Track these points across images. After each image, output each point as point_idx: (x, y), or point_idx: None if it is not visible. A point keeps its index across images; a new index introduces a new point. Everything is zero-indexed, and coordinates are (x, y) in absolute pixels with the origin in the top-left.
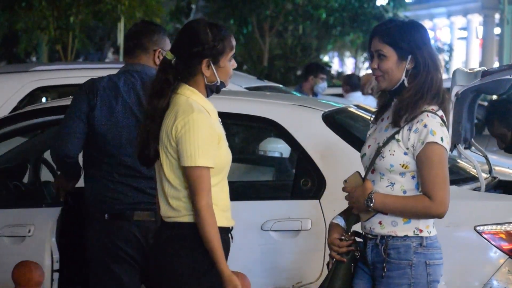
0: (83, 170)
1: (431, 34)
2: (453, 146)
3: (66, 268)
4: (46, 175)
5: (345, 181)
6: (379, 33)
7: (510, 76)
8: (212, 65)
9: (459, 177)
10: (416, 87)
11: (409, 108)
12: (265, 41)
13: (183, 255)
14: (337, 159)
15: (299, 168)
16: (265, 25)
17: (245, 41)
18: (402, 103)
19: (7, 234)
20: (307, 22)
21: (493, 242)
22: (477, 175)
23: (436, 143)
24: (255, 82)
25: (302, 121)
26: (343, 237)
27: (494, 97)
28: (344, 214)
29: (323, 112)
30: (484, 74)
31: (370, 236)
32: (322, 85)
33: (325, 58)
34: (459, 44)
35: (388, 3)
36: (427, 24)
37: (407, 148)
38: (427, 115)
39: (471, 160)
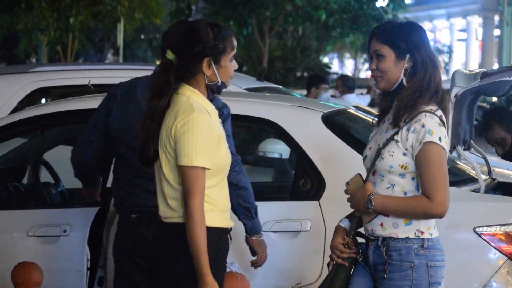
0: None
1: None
2: (453, 148)
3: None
4: (45, 176)
5: (347, 183)
6: (377, 34)
7: (510, 77)
8: (213, 64)
9: (459, 178)
10: (415, 86)
11: (408, 107)
12: (265, 43)
13: (181, 255)
14: (336, 160)
15: (299, 169)
16: (265, 27)
17: (245, 42)
18: (401, 102)
19: (38, 234)
20: (307, 23)
21: (492, 244)
22: (476, 177)
23: (434, 142)
24: (255, 83)
25: (302, 122)
26: (346, 243)
27: (494, 99)
28: (350, 216)
29: (322, 113)
30: (484, 75)
31: (372, 237)
32: (325, 95)
33: (325, 60)
34: (459, 45)
35: (387, 5)
36: (426, 25)
37: (406, 149)
38: (425, 115)
39: (471, 162)
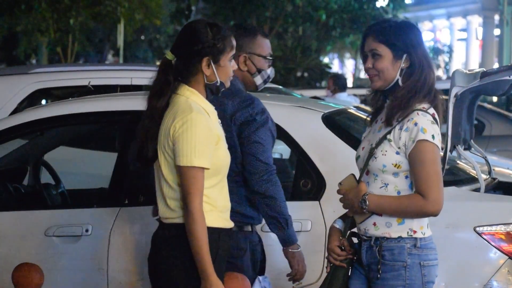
0: None
1: (431, 35)
2: (453, 147)
3: None
4: (46, 178)
5: (339, 183)
6: (373, 33)
7: (509, 77)
8: (212, 64)
9: (459, 178)
10: (410, 86)
11: (402, 106)
12: None
13: (179, 256)
14: (336, 160)
15: (299, 169)
16: (265, 27)
17: None
18: (395, 101)
19: (58, 234)
20: (307, 23)
21: (492, 243)
22: (476, 176)
23: (427, 140)
24: None
25: (302, 122)
26: (342, 244)
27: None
28: (343, 217)
29: (322, 113)
30: (483, 75)
31: (365, 237)
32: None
33: (325, 60)
34: (459, 45)
35: (388, 5)
36: (427, 25)
37: (399, 148)
38: (418, 114)
39: (471, 161)
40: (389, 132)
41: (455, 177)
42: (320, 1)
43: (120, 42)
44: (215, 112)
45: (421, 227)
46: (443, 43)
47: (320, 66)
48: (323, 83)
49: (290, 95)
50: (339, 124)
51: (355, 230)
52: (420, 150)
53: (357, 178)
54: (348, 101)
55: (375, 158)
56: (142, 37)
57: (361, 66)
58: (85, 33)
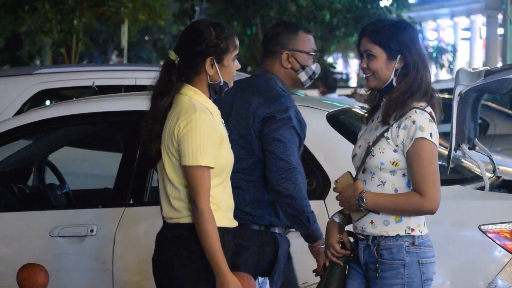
0: None
1: (434, 34)
2: (457, 146)
3: None
4: (51, 178)
5: (335, 181)
6: (368, 33)
7: None
8: (215, 64)
9: (463, 176)
10: (406, 86)
11: (398, 106)
12: None
13: (184, 256)
14: (341, 160)
15: (304, 169)
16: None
17: (249, 43)
18: (391, 101)
19: (63, 234)
20: (311, 23)
21: (497, 241)
22: (481, 175)
23: (425, 138)
24: None
25: (307, 121)
26: (341, 241)
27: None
28: (341, 212)
29: (327, 112)
30: (487, 73)
31: (361, 236)
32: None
33: (329, 60)
34: (463, 44)
35: (391, 4)
36: (430, 24)
37: (397, 145)
38: (415, 112)
39: (475, 160)
40: (387, 130)
41: (460, 175)
42: (324, 1)
43: (124, 42)
44: (219, 112)
45: (419, 225)
46: (447, 43)
47: (324, 65)
48: None
49: (294, 95)
50: (344, 123)
51: (350, 229)
52: (418, 148)
53: (354, 176)
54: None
55: (373, 156)
56: (146, 38)
57: None
58: (89, 34)
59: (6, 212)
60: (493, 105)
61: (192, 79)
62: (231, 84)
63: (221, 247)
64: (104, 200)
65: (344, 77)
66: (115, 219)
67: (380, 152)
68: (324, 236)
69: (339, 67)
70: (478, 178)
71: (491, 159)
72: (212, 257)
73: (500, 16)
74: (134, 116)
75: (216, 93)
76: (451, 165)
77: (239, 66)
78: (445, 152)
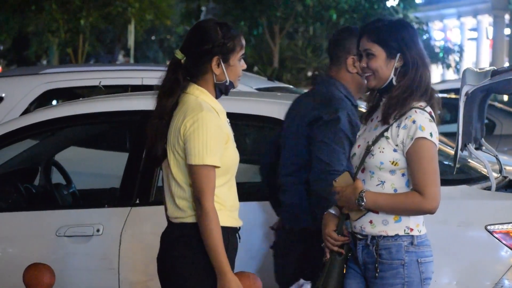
0: None
1: (441, 35)
2: (464, 146)
3: None
4: (57, 178)
5: (334, 180)
6: (367, 32)
7: None
8: (222, 63)
9: (470, 176)
10: (405, 85)
11: (398, 105)
12: (276, 43)
13: (189, 255)
14: None
15: None
16: (275, 27)
17: (256, 43)
18: (391, 100)
19: (69, 234)
20: (318, 23)
21: (504, 241)
22: (487, 175)
23: (426, 138)
24: (266, 83)
25: None
26: (338, 229)
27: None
28: (337, 206)
29: None
30: (494, 73)
31: (360, 236)
32: None
33: None
34: (470, 44)
35: (398, 4)
36: (437, 25)
37: (397, 145)
38: (415, 111)
39: (482, 160)
40: (387, 130)
41: (466, 175)
42: (330, 1)
43: (131, 42)
44: (224, 111)
45: (417, 225)
46: (453, 43)
47: None
48: None
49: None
50: None
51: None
52: (418, 147)
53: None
54: None
55: (372, 155)
56: (153, 38)
57: None
58: (96, 34)
59: (12, 211)
60: (500, 105)
61: (198, 78)
62: (236, 84)
63: (224, 247)
64: (110, 200)
65: None
66: (121, 219)
67: (380, 152)
68: None
69: None
70: (485, 178)
71: (497, 159)
72: (215, 256)
73: (507, 16)
74: (140, 116)
75: (222, 93)
76: (457, 165)
77: (245, 66)
78: (452, 152)
